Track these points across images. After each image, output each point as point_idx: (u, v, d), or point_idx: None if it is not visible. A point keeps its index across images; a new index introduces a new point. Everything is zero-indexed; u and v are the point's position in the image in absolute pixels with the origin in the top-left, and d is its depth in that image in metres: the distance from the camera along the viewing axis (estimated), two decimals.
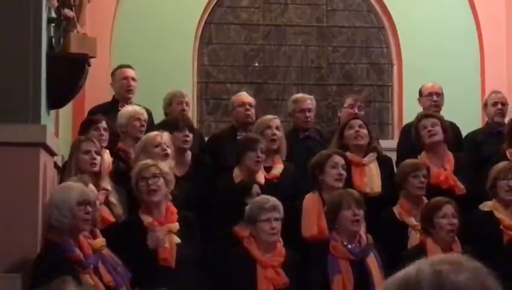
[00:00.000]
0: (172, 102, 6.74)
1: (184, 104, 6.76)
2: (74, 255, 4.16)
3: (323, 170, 5.54)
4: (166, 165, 5.12)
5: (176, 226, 4.90)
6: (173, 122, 6.11)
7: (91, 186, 4.81)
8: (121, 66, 6.97)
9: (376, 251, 5.06)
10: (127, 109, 6.22)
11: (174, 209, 4.99)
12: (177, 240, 4.85)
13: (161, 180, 4.94)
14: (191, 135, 5.96)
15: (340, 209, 5.04)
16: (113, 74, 6.95)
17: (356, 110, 6.88)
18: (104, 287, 4.28)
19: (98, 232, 4.62)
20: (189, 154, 6.01)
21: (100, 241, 4.53)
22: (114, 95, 6.91)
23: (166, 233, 4.85)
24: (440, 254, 5.01)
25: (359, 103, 7.03)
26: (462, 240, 5.18)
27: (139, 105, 6.41)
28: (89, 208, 4.40)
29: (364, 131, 6.04)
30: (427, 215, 5.18)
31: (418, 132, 6.08)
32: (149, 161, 5.08)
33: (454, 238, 5.14)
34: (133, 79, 6.81)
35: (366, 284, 4.93)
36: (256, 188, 5.36)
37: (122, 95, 6.78)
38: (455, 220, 5.11)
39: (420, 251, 5.04)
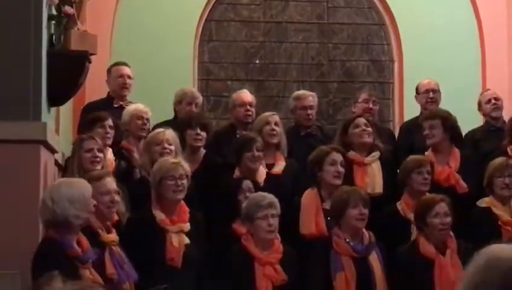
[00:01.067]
0: (182, 101, 6.65)
1: (193, 106, 6.65)
2: (73, 250, 4.15)
3: (321, 167, 5.53)
4: (186, 163, 5.13)
5: (187, 226, 4.90)
6: (186, 120, 6.10)
7: (109, 179, 4.71)
8: (117, 64, 6.93)
9: (378, 249, 5.06)
10: (130, 108, 6.22)
11: (187, 209, 4.99)
12: (186, 240, 4.86)
13: (185, 179, 4.97)
14: (203, 134, 5.96)
15: (347, 207, 5.02)
16: (108, 71, 6.90)
17: (371, 105, 6.93)
18: (102, 281, 4.26)
19: (112, 228, 4.62)
20: (202, 152, 6.01)
21: (113, 236, 4.52)
22: (109, 92, 6.89)
23: (177, 232, 4.85)
24: (433, 251, 5.01)
25: (373, 97, 7.12)
26: (459, 235, 5.16)
27: (141, 104, 6.39)
28: (94, 201, 4.36)
29: (370, 129, 6.03)
30: (420, 213, 5.16)
31: (422, 131, 6.08)
32: (175, 160, 5.09)
33: (448, 235, 5.13)
34: (129, 77, 6.77)
35: (368, 282, 4.92)
36: (246, 184, 5.36)
37: (118, 93, 6.76)
38: (448, 219, 5.08)
39: (413, 249, 5.07)
